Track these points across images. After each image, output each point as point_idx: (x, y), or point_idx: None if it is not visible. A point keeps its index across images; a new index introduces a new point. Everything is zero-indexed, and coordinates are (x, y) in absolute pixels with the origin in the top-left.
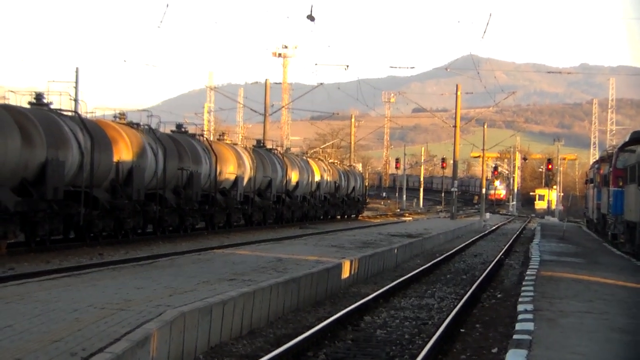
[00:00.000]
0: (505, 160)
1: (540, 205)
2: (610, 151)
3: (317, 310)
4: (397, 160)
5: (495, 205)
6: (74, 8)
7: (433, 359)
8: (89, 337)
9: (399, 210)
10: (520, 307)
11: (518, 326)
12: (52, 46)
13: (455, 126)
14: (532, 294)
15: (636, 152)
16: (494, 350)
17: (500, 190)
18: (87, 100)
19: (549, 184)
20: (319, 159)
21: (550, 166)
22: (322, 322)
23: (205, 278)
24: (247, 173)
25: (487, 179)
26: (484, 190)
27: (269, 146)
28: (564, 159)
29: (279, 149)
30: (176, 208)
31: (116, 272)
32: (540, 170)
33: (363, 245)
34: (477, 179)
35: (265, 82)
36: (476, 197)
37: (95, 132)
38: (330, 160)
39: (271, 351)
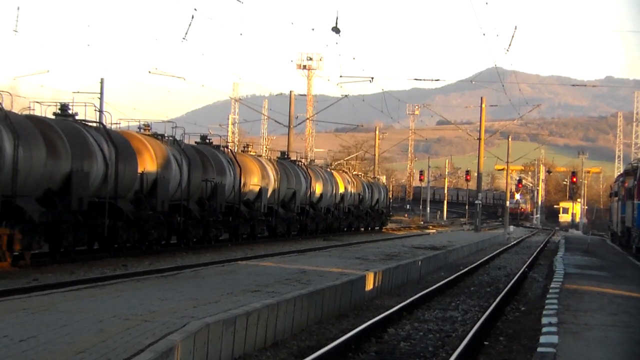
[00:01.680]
0: (530, 173)
1: (564, 218)
2: (635, 164)
3: (340, 322)
4: (421, 173)
5: (520, 219)
6: (100, 19)
7: None
8: (113, 348)
9: (422, 222)
10: (544, 320)
11: (542, 339)
12: (77, 57)
13: (479, 139)
14: (556, 306)
15: None
16: None
17: (521, 204)
18: (111, 111)
19: (573, 197)
20: (343, 170)
21: (574, 179)
22: (346, 334)
23: (229, 289)
24: (271, 185)
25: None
26: (507, 203)
27: (293, 158)
28: (589, 172)
29: (303, 160)
30: (200, 219)
31: (140, 283)
32: (565, 183)
33: (387, 258)
34: (497, 191)
35: (290, 94)
36: (499, 210)
37: (120, 143)
38: (354, 172)
39: None
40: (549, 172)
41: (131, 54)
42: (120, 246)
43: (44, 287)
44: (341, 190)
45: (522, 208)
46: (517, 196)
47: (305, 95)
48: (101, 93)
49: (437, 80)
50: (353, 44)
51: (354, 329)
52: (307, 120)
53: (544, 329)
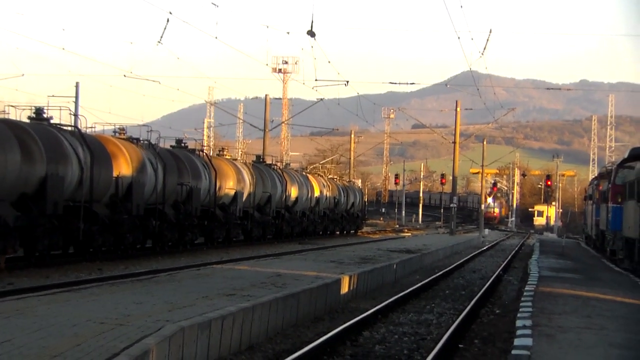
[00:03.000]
0: (505, 176)
1: (539, 221)
2: (609, 167)
3: (316, 325)
4: (397, 176)
5: (494, 223)
6: (75, 22)
7: None
8: (88, 352)
9: (397, 226)
10: (518, 323)
11: (516, 342)
12: (52, 60)
13: (454, 142)
14: (530, 309)
15: (635, 169)
16: None
17: (495, 208)
18: (87, 115)
19: (548, 200)
20: (319, 174)
21: (549, 182)
22: (321, 337)
23: (205, 293)
24: (247, 188)
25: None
26: (483, 207)
27: (268, 162)
28: (563, 175)
29: (278, 164)
30: (176, 223)
31: (115, 287)
32: (540, 186)
33: (362, 261)
34: (474, 194)
35: (265, 98)
36: (474, 213)
37: (95, 147)
38: (329, 176)
39: None
40: (523, 175)
41: (106, 57)
42: (95, 250)
43: (19, 291)
44: (316, 193)
45: (494, 212)
46: (490, 200)
47: (280, 98)
48: (76, 97)
49: (413, 83)
50: (328, 48)
51: (329, 332)
52: (283, 124)
53: (518, 332)
